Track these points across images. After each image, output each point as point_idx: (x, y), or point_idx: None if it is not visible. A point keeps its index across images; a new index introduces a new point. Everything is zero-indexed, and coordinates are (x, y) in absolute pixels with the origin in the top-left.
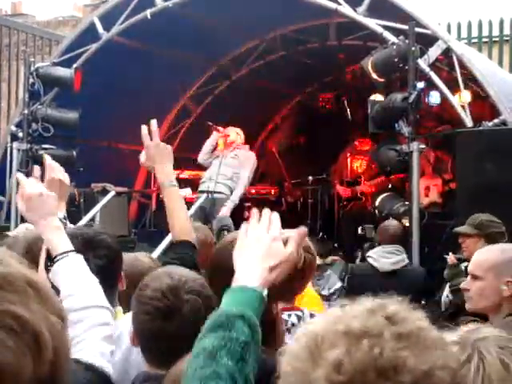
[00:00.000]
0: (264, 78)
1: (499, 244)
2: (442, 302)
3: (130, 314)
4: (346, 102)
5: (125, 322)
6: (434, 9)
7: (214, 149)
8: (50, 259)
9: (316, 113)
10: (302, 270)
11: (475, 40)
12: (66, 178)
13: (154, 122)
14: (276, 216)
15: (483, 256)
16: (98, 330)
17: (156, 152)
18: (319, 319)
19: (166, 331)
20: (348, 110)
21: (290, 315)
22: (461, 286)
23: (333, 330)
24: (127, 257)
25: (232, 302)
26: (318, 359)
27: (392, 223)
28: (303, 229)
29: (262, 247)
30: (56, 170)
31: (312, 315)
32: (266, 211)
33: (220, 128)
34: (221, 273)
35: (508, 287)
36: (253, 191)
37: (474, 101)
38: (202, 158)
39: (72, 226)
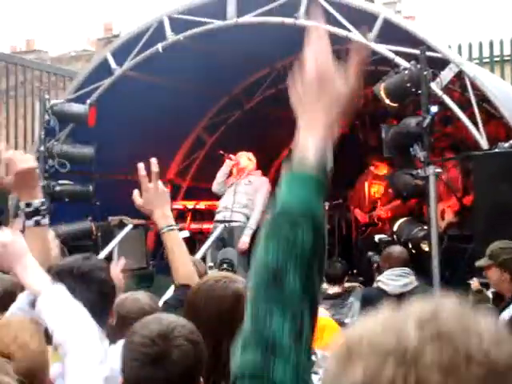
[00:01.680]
0: (276, 106)
1: None
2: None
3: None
4: (359, 127)
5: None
6: (444, 30)
7: (228, 177)
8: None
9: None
10: None
11: (487, 60)
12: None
13: (154, 162)
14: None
15: None
16: (87, 361)
17: (155, 196)
18: None
19: (155, 377)
20: (362, 134)
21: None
22: None
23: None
24: (127, 297)
25: (290, 193)
26: None
27: (396, 248)
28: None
29: (312, 95)
30: (21, 162)
31: (326, 357)
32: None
33: (232, 156)
34: (195, 313)
35: None
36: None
37: (489, 121)
38: (215, 187)
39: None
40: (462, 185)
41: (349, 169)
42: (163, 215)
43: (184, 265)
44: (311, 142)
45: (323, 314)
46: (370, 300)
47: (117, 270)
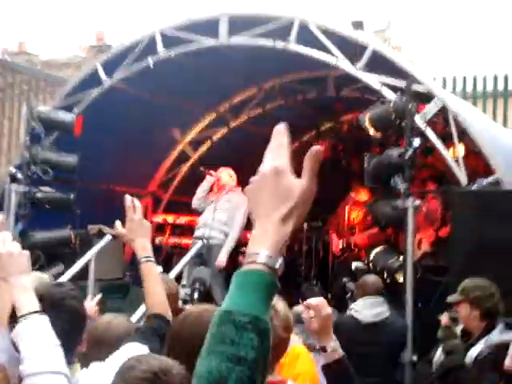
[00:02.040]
0: (262, 126)
1: None
2: (434, 362)
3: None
4: (342, 152)
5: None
6: (431, 60)
7: (209, 192)
8: (15, 318)
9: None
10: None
11: (469, 94)
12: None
13: (135, 200)
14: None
15: None
16: None
17: (138, 226)
18: None
19: None
20: (345, 159)
21: None
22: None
23: None
24: (102, 320)
25: (238, 296)
26: None
27: (370, 277)
28: (316, 147)
29: (267, 188)
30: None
31: None
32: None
33: (213, 172)
34: (180, 345)
35: None
36: (249, 236)
37: (469, 155)
38: (195, 203)
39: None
40: (440, 216)
41: (331, 193)
42: (143, 247)
43: (156, 294)
44: (265, 242)
45: (296, 341)
46: (342, 327)
47: (93, 304)
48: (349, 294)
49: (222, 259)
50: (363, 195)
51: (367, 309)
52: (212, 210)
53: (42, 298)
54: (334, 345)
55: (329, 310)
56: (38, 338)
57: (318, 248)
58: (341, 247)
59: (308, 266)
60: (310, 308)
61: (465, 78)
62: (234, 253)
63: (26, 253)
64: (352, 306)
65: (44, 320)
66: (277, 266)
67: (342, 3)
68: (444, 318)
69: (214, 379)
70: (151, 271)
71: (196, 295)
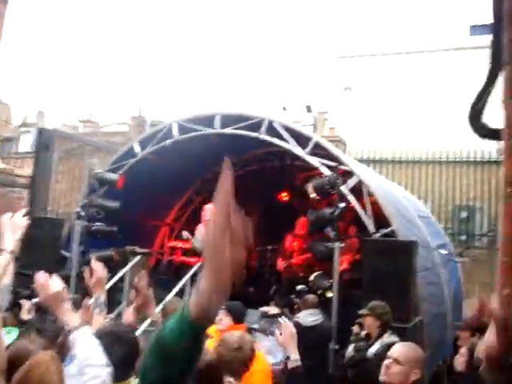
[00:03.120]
0: (242, 182)
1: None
2: (346, 355)
3: None
4: (294, 199)
5: None
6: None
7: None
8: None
9: (275, 203)
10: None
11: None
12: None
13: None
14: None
15: (405, 349)
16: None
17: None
18: None
19: None
20: (294, 203)
21: None
22: (385, 363)
23: None
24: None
25: (171, 329)
26: None
27: (310, 296)
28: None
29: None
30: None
31: None
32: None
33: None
34: None
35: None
36: None
37: (375, 207)
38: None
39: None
40: (356, 247)
41: (283, 226)
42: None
43: None
44: (205, 294)
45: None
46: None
47: (130, 310)
48: (295, 306)
49: None
50: (300, 230)
51: (307, 317)
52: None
53: (108, 333)
54: (295, 357)
55: (293, 330)
56: (89, 341)
57: (271, 266)
58: (284, 266)
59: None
60: (281, 327)
61: (374, 151)
62: None
63: (65, 289)
64: (298, 315)
65: (87, 329)
66: (211, 315)
67: (296, 90)
68: (355, 328)
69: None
70: None
71: None
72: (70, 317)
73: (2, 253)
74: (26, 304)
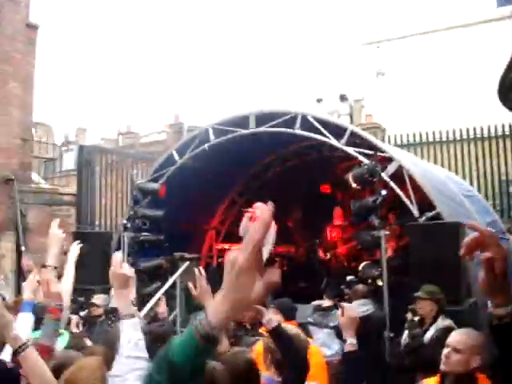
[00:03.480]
0: (283, 178)
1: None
2: (402, 343)
3: None
4: (335, 190)
5: None
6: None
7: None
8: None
9: (318, 197)
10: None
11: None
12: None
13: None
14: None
15: (463, 337)
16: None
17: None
18: None
19: None
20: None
21: None
22: (444, 352)
23: None
24: None
25: (181, 348)
26: None
27: (360, 286)
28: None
29: (228, 279)
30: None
31: None
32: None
33: (249, 209)
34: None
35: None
36: (280, 250)
37: (418, 192)
38: (241, 231)
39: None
40: (399, 233)
41: (328, 219)
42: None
43: None
44: (216, 317)
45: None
46: None
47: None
48: (346, 297)
49: (264, 255)
50: (339, 221)
51: (358, 308)
52: None
53: (149, 333)
54: (352, 340)
55: (355, 314)
56: (131, 333)
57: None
58: (328, 257)
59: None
60: (342, 309)
61: (414, 134)
62: (270, 261)
63: (133, 276)
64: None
65: (136, 320)
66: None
67: (331, 80)
68: (409, 315)
69: None
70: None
71: None
72: (125, 304)
73: (48, 269)
74: (75, 318)
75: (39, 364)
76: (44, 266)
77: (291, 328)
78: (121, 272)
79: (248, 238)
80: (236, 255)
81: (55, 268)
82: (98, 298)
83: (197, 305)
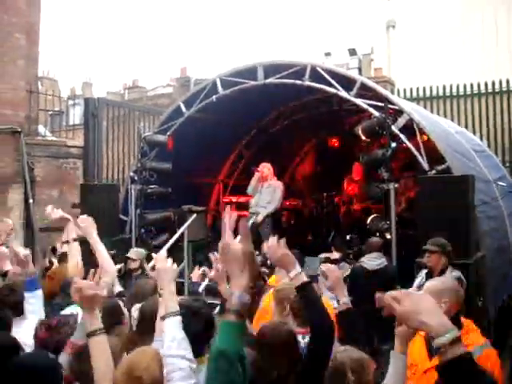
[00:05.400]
0: (291, 131)
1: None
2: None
3: None
4: (345, 144)
5: None
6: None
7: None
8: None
9: (327, 151)
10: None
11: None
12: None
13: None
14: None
15: (431, 283)
16: (180, 373)
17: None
18: None
19: None
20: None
21: (304, 337)
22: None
23: None
24: None
25: (227, 339)
26: None
27: (374, 239)
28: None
29: (228, 259)
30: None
31: None
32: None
33: (259, 168)
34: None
35: (444, 305)
36: (287, 204)
37: (428, 145)
38: (249, 190)
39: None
40: (408, 185)
41: (338, 172)
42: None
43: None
44: (235, 299)
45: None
46: (357, 272)
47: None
48: (355, 249)
49: (259, 217)
50: (356, 176)
51: (371, 261)
52: (259, 194)
53: (186, 308)
54: (345, 299)
55: (339, 274)
56: (175, 332)
57: (332, 210)
58: (343, 211)
59: (323, 223)
60: (326, 272)
61: (424, 88)
62: (278, 215)
63: (176, 268)
64: (362, 259)
65: (179, 318)
66: (244, 303)
67: (338, 34)
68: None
69: None
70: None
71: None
72: (171, 300)
73: (72, 244)
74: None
75: (107, 350)
76: (66, 242)
77: None
78: (168, 268)
79: (242, 236)
80: (236, 248)
81: (75, 240)
82: (133, 252)
83: (204, 258)
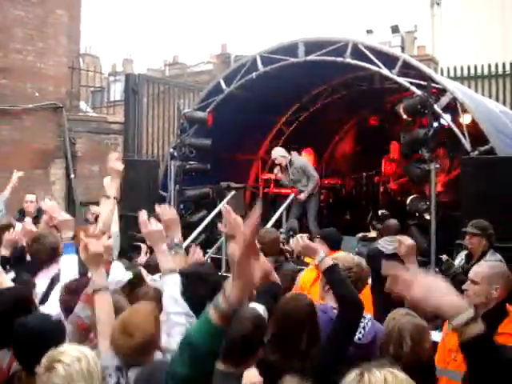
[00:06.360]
0: (332, 109)
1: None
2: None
3: None
4: (385, 123)
5: None
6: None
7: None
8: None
9: (367, 129)
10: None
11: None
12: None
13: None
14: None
15: (480, 269)
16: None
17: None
18: None
19: None
20: (386, 128)
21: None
22: (463, 287)
23: None
24: None
25: (199, 331)
26: None
27: (391, 221)
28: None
29: (233, 269)
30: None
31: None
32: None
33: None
34: (286, 321)
35: (496, 292)
36: (326, 182)
37: (472, 125)
38: (284, 184)
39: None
40: (448, 166)
41: (377, 151)
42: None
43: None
44: (232, 300)
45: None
46: (373, 255)
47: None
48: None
49: (302, 196)
50: (394, 155)
51: (388, 245)
52: (290, 178)
53: (193, 273)
54: (413, 267)
55: (411, 241)
56: (173, 289)
57: (371, 190)
58: (382, 190)
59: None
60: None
61: (468, 66)
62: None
63: (161, 229)
64: (379, 241)
65: (177, 276)
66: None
67: (381, 11)
68: (444, 256)
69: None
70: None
71: (290, 240)
72: (165, 260)
73: (109, 200)
74: (144, 246)
75: (110, 305)
76: (106, 197)
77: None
78: (153, 229)
79: (239, 236)
80: (233, 251)
81: (115, 199)
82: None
83: None
